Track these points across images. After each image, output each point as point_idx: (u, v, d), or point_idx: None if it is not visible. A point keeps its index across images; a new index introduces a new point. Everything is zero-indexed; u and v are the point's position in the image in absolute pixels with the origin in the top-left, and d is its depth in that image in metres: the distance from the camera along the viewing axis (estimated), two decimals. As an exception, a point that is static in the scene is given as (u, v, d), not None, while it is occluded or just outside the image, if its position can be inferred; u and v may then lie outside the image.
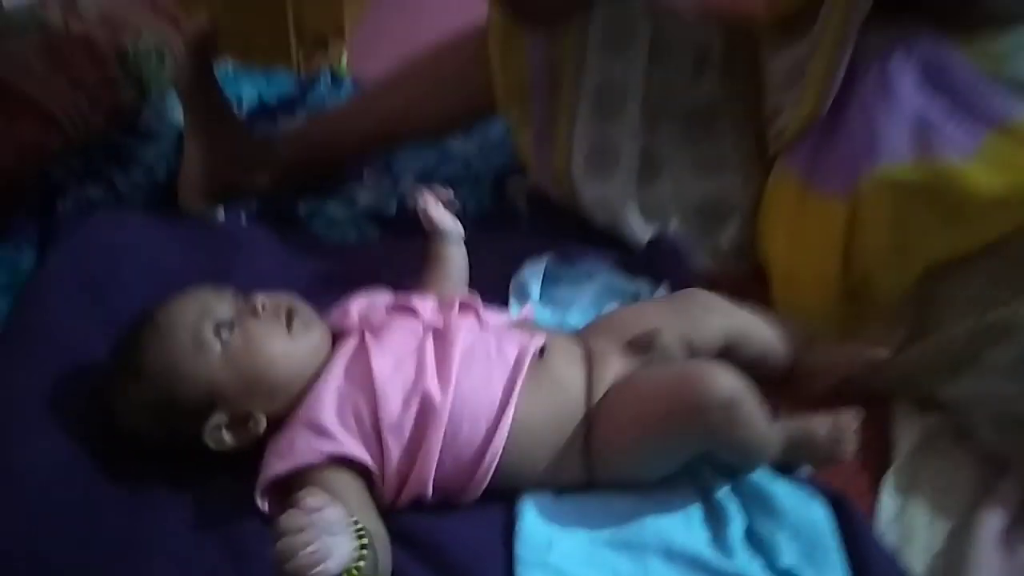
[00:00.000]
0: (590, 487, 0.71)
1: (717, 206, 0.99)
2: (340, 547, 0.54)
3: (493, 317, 0.75)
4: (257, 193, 1.04)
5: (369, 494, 0.67)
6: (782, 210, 0.93)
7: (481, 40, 0.99)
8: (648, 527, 0.68)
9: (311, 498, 0.54)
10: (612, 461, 0.70)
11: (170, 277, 0.85)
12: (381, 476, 0.67)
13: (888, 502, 0.75)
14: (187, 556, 0.65)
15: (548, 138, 0.99)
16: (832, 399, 0.80)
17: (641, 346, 0.75)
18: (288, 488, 0.66)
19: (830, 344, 0.84)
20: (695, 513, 0.70)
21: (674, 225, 0.99)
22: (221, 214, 1.02)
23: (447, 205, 0.86)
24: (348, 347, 0.71)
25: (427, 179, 1.09)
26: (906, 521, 0.74)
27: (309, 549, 0.51)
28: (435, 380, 0.67)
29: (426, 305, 0.74)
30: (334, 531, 0.54)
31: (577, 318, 0.87)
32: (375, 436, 0.66)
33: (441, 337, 0.70)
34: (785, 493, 0.70)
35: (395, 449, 0.66)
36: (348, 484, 0.66)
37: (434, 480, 0.67)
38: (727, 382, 0.67)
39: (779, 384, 0.80)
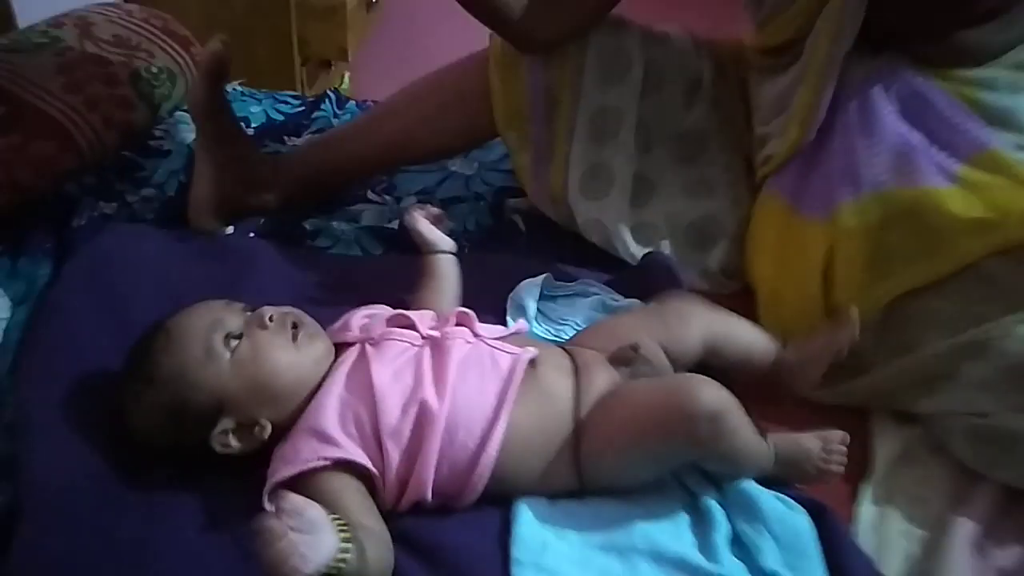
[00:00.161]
0: (581, 493, 0.74)
1: (706, 228, 1.03)
2: (323, 544, 0.57)
3: (487, 330, 0.78)
4: (264, 210, 1.08)
5: (371, 497, 0.69)
6: (768, 233, 0.96)
7: (482, 67, 1.04)
8: (638, 532, 0.70)
9: (288, 501, 0.58)
10: (601, 468, 0.73)
11: (180, 290, 0.87)
12: (382, 480, 0.70)
13: (867, 510, 0.78)
14: (197, 556, 0.68)
15: (545, 161, 1.03)
16: (815, 416, 0.83)
17: (623, 359, 0.78)
18: (293, 490, 0.69)
19: (804, 339, 0.85)
20: (683, 519, 0.73)
21: (665, 245, 1.02)
22: (230, 230, 1.05)
23: (438, 222, 0.89)
24: (349, 358, 0.74)
25: (428, 198, 1.14)
26: (883, 528, 0.77)
27: (292, 547, 0.54)
28: (432, 389, 0.70)
29: (423, 319, 0.77)
30: (316, 529, 0.57)
31: (571, 334, 0.90)
32: (375, 442, 0.69)
33: (438, 348, 0.74)
34: (769, 501, 0.73)
35: (395, 454, 0.69)
36: (350, 487, 0.69)
37: (433, 484, 0.70)
38: (713, 395, 0.70)
39: (767, 397, 0.82)
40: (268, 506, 0.69)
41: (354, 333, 0.76)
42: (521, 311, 0.91)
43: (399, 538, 0.68)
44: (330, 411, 0.70)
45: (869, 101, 0.91)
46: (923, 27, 0.92)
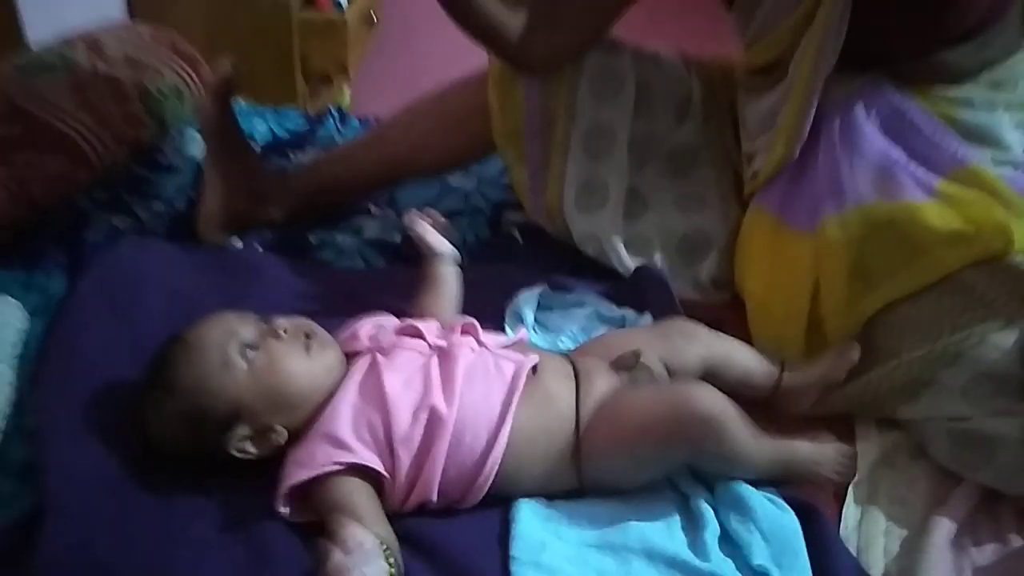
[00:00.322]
0: (580, 493, 0.77)
1: (697, 240, 1.07)
2: (377, 572, 0.62)
3: (491, 339, 0.81)
4: (271, 224, 1.11)
5: (379, 500, 0.73)
6: (756, 246, 1.00)
7: (481, 86, 1.07)
8: (632, 531, 0.74)
9: (351, 534, 0.63)
10: (602, 469, 0.76)
11: (190, 302, 0.91)
12: (392, 483, 0.73)
13: (851, 511, 0.81)
14: (214, 557, 0.71)
15: (542, 176, 1.07)
16: (801, 422, 0.87)
17: (624, 365, 0.81)
18: (306, 494, 0.73)
19: (802, 365, 0.90)
20: (674, 518, 0.76)
21: (658, 257, 1.06)
22: (238, 243, 1.09)
23: (441, 228, 0.93)
24: (361, 366, 0.77)
25: (428, 211, 1.17)
26: (866, 528, 0.80)
27: None
28: (441, 395, 0.74)
29: (430, 328, 0.81)
30: (371, 560, 0.63)
31: (567, 342, 0.94)
32: (387, 447, 0.73)
33: (445, 357, 0.77)
34: (758, 500, 0.76)
35: (405, 458, 0.73)
36: (361, 491, 0.72)
37: (438, 486, 0.73)
38: (711, 399, 0.75)
39: (765, 407, 0.86)
40: (281, 509, 0.73)
41: (364, 342, 0.79)
42: (519, 320, 0.95)
43: (403, 538, 0.71)
44: (344, 417, 0.73)
45: (851, 119, 0.95)
46: (903, 48, 0.96)
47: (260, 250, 1.09)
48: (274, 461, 0.75)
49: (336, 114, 1.39)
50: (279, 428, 0.75)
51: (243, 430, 0.74)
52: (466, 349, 0.78)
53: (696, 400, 0.75)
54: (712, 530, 0.75)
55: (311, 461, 0.72)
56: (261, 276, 1.01)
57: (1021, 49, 0.98)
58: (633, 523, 0.75)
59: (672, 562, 0.72)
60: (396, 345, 0.78)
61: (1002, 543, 0.80)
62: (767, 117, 1.01)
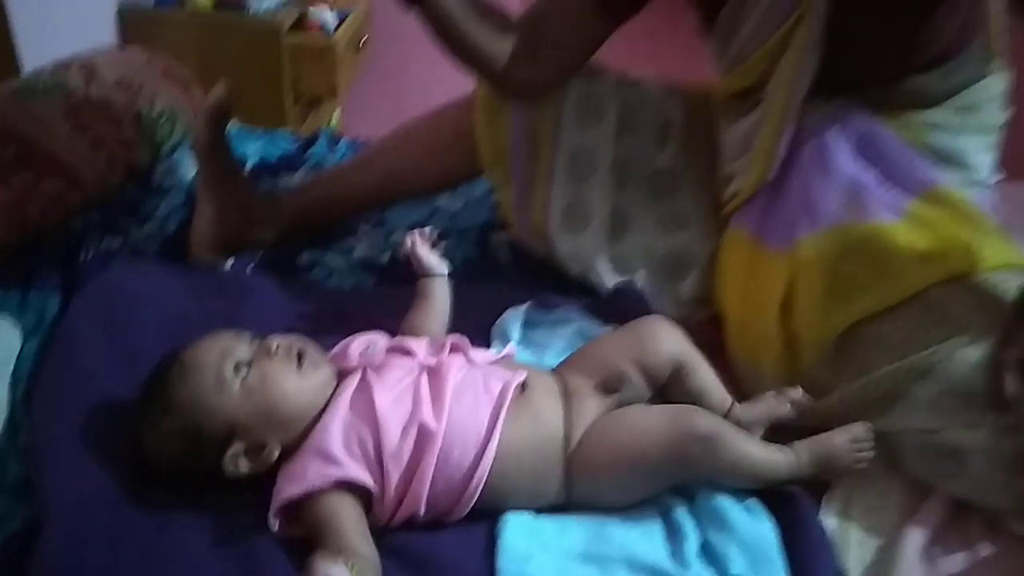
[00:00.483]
0: (566, 508, 0.79)
1: (679, 259, 1.09)
2: None
3: (479, 355, 0.84)
4: (263, 245, 1.13)
5: (365, 517, 0.74)
6: (735, 264, 1.02)
7: (468, 110, 1.10)
8: (615, 542, 0.76)
9: (319, 567, 0.65)
10: (596, 487, 0.79)
11: (183, 321, 0.93)
12: (382, 497, 0.75)
13: (826, 520, 0.84)
14: (205, 571, 0.72)
15: (527, 197, 1.09)
16: (777, 435, 0.89)
17: (611, 385, 0.84)
18: (298, 510, 0.74)
19: (750, 404, 0.88)
20: (656, 529, 0.78)
21: (641, 276, 1.08)
22: (230, 264, 1.11)
23: (434, 245, 0.95)
24: (352, 383, 0.79)
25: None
26: (842, 538, 0.83)
27: None
28: (430, 411, 0.76)
29: (420, 346, 0.83)
30: None
31: (553, 359, 0.95)
32: (377, 462, 0.75)
33: (434, 374, 0.79)
34: (735, 512, 0.79)
35: (395, 473, 0.74)
36: (350, 507, 0.74)
37: (426, 500, 0.75)
38: (708, 421, 0.78)
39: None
40: (273, 523, 0.74)
41: (354, 360, 0.81)
42: (506, 338, 0.97)
43: (391, 551, 0.73)
44: (335, 433, 0.75)
45: (825, 142, 0.98)
46: (874, 74, 0.99)
47: (252, 270, 1.11)
48: (267, 477, 0.77)
49: (326, 137, 1.42)
50: (272, 445, 0.76)
51: (237, 447, 0.76)
52: (455, 366, 0.80)
53: (693, 420, 0.78)
54: (692, 540, 0.77)
55: (303, 477, 0.74)
56: (253, 296, 1.03)
57: (986, 76, 1.02)
58: (616, 534, 0.77)
59: (654, 571, 0.74)
60: (386, 362, 0.80)
61: (971, 552, 0.83)
62: (744, 140, 1.04)
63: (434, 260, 0.94)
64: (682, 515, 0.79)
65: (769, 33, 0.97)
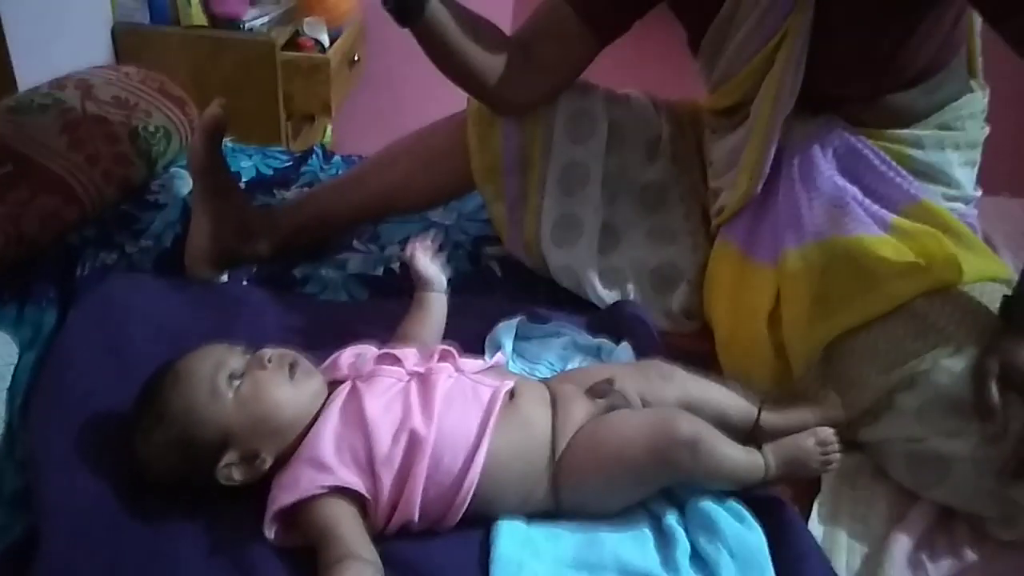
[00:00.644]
0: (557, 514, 0.80)
1: (668, 272, 1.11)
2: None
3: (468, 363, 0.84)
4: (257, 259, 1.14)
5: (363, 522, 0.75)
6: (723, 277, 1.04)
7: (461, 125, 1.12)
8: (607, 549, 0.77)
9: None
10: (581, 494, 0.79)
11: (178, 335, 0.93)
12: (375, 505, 0.76)
13: (815, 528, 0.85)
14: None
15: (519, 212, 1.11)
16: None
17: (599, 392, 0.85)
18: (293, 518, 0.75)
19: (784, 408, 0.89)
20: (647, 537, 0.79)
21: (631, 288, 1.10)
22: (224, 278, 1.12)
23: (435, 253, 0.95)
24: (342, 393, 0.80)
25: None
26: (829, 544, 0.84)
27: None
28: (420, 418, 0.77)
29: (409, 355, 0.84)
30: None
31: (545, 371, 0.97)
32: (369, 469, 0.75)
33: (424, 381, 0.80)
34: (725, 520, 0.79)
35: (387, 480, 0.75)
36: (345, 513, 0.74)
37: (419, 507, 0.76)
38: (690, 421, 0.79)
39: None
40: (268, 531, 0.75)
41: (344, 371, 0.82)
42: (498, 350, 0.98)
43: (385, 560, 0.73)
44: (327, 442, 0.76)
45: (810, 157, 1.00)
46: (857, 91, 1.02)
47: (246, 284, 1.11)
48: (260, 486, 0.77)
49: (320, 152, 1.43)
50: (264, 455, 0.77)
51: (231, 456, 0.77)
52: (444, 374, 0.81)
53: (676, 424, 0.78)
54: (683, 548, 0.78)
55: (296, 485, 0.75)
56: (247, 309, 1.04)
57: (967, 93, 1.05)
58: (608, 542, 0.78)
59: (645, 579, 0.75)
60: (376, 371, 0.81)
61: (957, 558, 0.84)
62: (731, 156, 1.06)
63: (433, 271, 0.95)
64: (673, 522, 0.80)
65: (754, 51, 1.00)
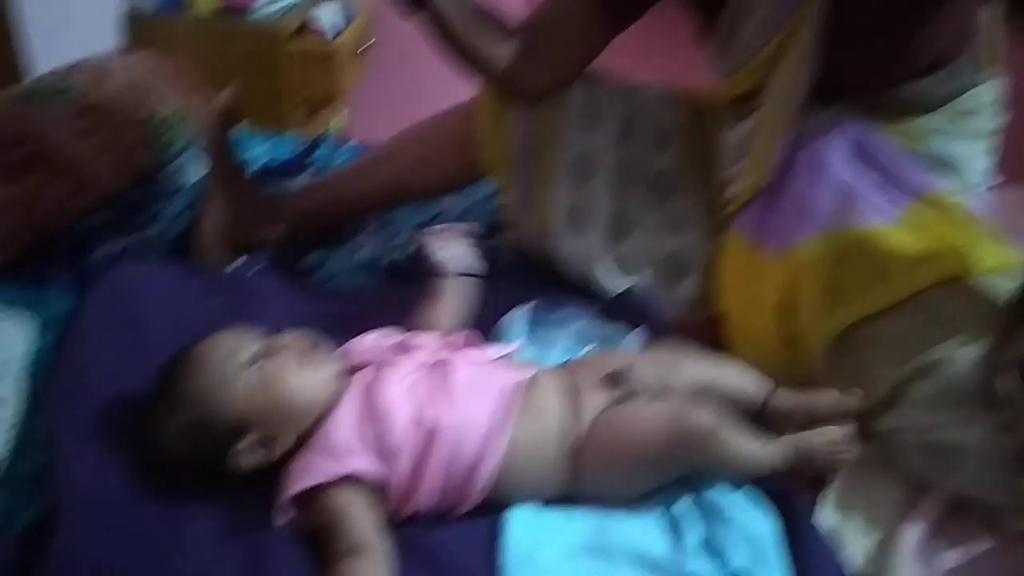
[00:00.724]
0: (571, 502, 0.80)
1: (679, 261, 1.11)
2: None
3: (486, 352, 0.85)
4: (269, 245, 1.15)
5: (378, 509, 0.76)
6: (733, 267, 1.04)
7: (472, 113, 1.12)
8: (618, 536, 0.77)
9: None
10: (597, 483, 0.80)
11: (192, 319, 0.94)
12: (390, 491, 0.76)
13: (826, 516, 0.85)
14: (215, 561, 0.74)
15: (530, 200, 1.11)
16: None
17: (615, 380, 0.85)
18: (307, 503, 0.76)
19: (797, 392, 0.90)
20: (659, 524, 0.79)
21: (642, 277, 1.10)
22: (237, 264, 1.12)
23: (464, 241, 0.95)
24: (360, 379, 0.81)
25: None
26: (839, 534, 0.84)
27: None
28: (438, 406, 0.77)
29: (427, 342, 0.85)
30: None
31: (558, 357, 0.97)
32: (385, 456, 0.76)
33: (442, 369, 0.81)
34: (737, 507, 0.80)
35: (403, 467, 0.76)
36: (357, 499, 0.75)
37: (434, 494, 0.76)
38: (706, 416, 0.79)
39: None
40: (281, 517, 0.76)
41: (363, 357, 0.83)
42: (511, 336, 0.98)
43: (399, 544, 0.74)
44: (343, 428, 0.76)
45: (822, 147, 0.99)
46: (870, 80, 1.01)
47: (259, 271, 1.12)
48: (275, 471, 0.78)
49: (330, 140, 1.43)
50: (281, 439, 0.78)
51: (246, 441, 0.77)
52: (462, 362, 0.81)
53: (692, 415, 0.79)
54: (694, 535, 0.78)
55: (312, 471, 0.75)
56: (259, 295, 1.04)
57: (981, 82, 1.04)
58: (619, 528, 0.78)
59: (656, 565, 0.76)
60: (394, 358, 0.82)
61: (969, 547, 0.84)
62: (742, 145, 1.05)
63: (447, 257, 0.94)
64: (684, 509, 0.80)
65: (767, 39, 0.99)
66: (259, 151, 1.39)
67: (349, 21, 2.04)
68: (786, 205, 1.00)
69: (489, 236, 1.20)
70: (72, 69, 1.28)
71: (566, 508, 0.80)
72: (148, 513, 0.77)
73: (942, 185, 1.00)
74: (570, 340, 1.00)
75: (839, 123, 1.01)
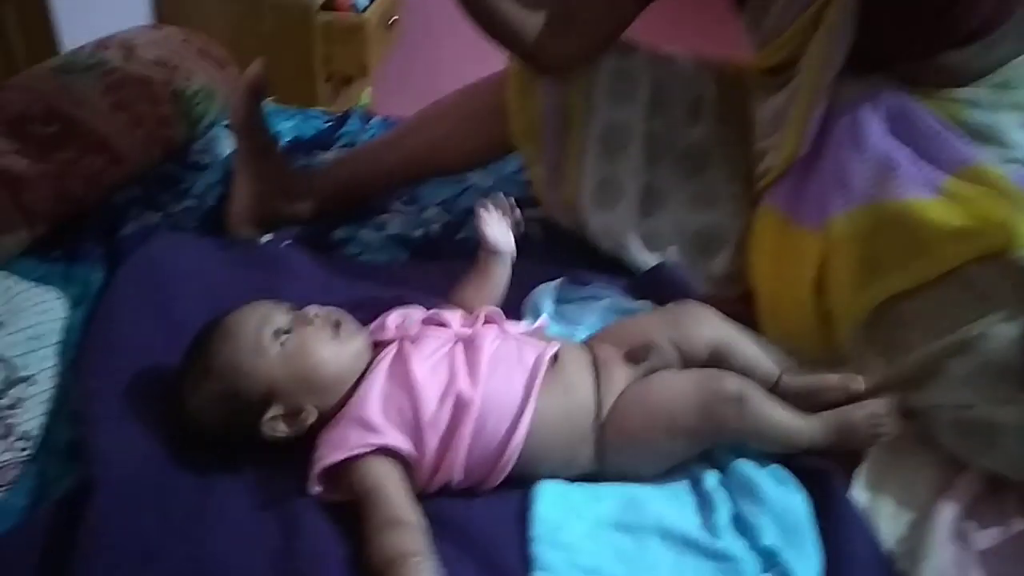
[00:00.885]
0: (598, 477, 0.80)
1: (710, 236, 1.09)
2: None
3: (513, 327, 0.85)
4: (298, 220, 1.15)
5: (408, 482, 0.76)
6: (766, 242, 1.02)
7: (500, 86, 1.11)
8: (647, 511, 0.77)
9: None
10: (627, 456, 0.80)
11: (221, 293, 0.95)
12: (420, 465, 0.77)
13: (859, 495, 0.84)
14: (247, 532, 0.75)
15: (559, 174, 1.10)
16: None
17: (637, 357, 0.85)
18: (338, 475, 0.76)
19: (812, 372, 0.89)
20: (688, 500, 0.79)
21: (672, 252, 1.08)
22: (267, 238, 1.13)
23: (506, 217, 0.94)
24: (389, 354, 0.81)
25: (449, 209, 1.20)
26: (873, 512, 0.83)
27: None
28: (466, 381, 0.78)
29: (455, 317, 0.84)
30: None
31: (584, 334, 0.96)
32: (415, 430, 0.76)
33: (470, 344, 0.81)
34: (767, 483, 0.79)
35: (432, 441, 0.76)
36: (392, 473, 0.76)
37: (463, 468, 0.77)
38: (736, 381, 0.79)
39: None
40: (314, 489, 0.76)
41: (391, 332, 0.83)
42: (537, 312, 0.98)
43: (428, 517, 0.74)
44: (374, 402, 0.77)
45: (859, 119, 0.97)
46: (909, 50, 0.98)
47: (287, 245, 1.12)
48: (306, 443, 0.79)
49: (358, 115, 1.43)
50: (310, 409, 0.78)
51: (275, 411, 0.78)
52: (489, 337, 0.81)
53: (722, 381, 0.79)
54: (724, 511, 0.78)
55: (343, 443, 0.76)
56: (289, 269, 1.05)
57: (1022, 53, 1.01)
58: (648, 503, 0.78)
59: (686, 541, 0.75)
60: (422, 333, 0.82)
61: (1006, 527, 0.83)
62: (777, 117, 1.03)
63: (500, 236, 0.92)
64: (714, 486, 0.80)
65: (802, 8, 0.97)
66: (287, 126, 1.39)
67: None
68: (822, 178, 0.98)
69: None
70: (101, 44, 1.29)
71: (593, 484, 0.80)
72: (180, 486, 0.78)
73: (983, 157, 0.96)
74: (597, 317, 0.99)
75: (876, 94, 0.98)
